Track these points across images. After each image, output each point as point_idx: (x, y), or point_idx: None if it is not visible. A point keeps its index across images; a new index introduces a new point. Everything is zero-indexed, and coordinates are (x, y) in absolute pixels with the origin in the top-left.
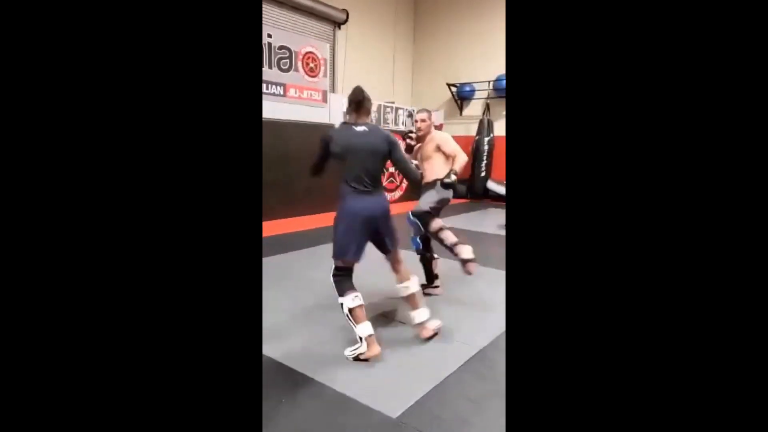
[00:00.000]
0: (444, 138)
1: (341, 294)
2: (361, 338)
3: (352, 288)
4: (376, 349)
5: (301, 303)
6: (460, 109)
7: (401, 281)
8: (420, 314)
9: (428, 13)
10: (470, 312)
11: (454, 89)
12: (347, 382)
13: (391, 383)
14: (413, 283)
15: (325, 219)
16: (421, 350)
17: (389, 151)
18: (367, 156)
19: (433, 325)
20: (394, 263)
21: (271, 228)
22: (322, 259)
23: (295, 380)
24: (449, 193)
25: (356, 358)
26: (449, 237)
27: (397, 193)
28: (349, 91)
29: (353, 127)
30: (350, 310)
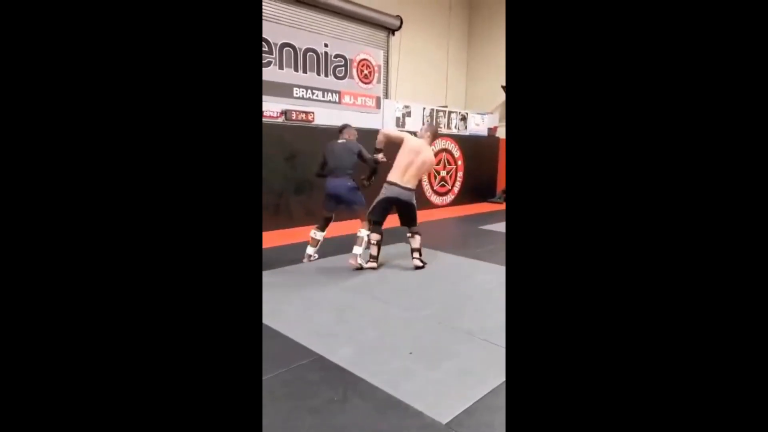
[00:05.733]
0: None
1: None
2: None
3: (318, 228)
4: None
5: (353, 304)
6: None
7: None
8: (355, 249)
9: (482, 16)
10: None
11: None
12: (398, 385)
13: (442, 388)
14: (362, 232)
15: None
16: (473, 356)
17: (359, 153)
18: (342, 154)
19: (361, 262)
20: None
21: None
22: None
23: (345, 380)
24: (387, 192)
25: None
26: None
27: (449, 197)
28: (402, 96)
29: (337, 140)
30: (310, 237)
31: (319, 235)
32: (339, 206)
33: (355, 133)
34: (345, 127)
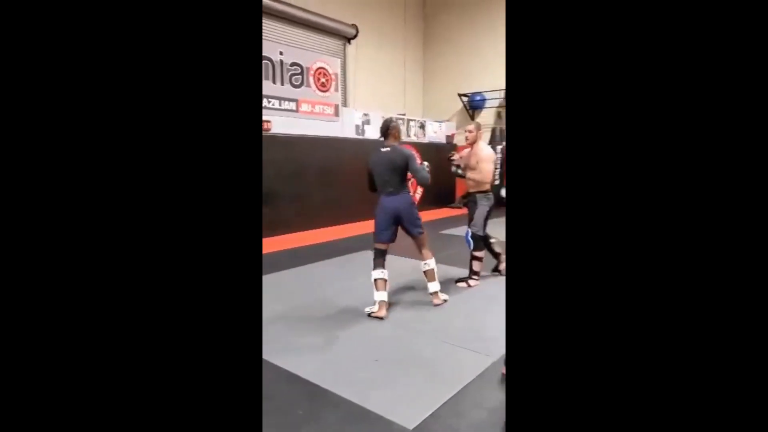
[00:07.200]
0: (476, 151)
1: (373, 268)
2: (375, 301)
3: (381, 265)
4: (383, 311)
5: (317, 316)
6: (472, 118)
7: (423, 260)
8: (432, 286)
9: (438, 24)
10: (488, 321)
11: (465, 99)
12: (364, 394)
13: (408, 394)
14: (431, 263)
15: (341, 231)
16: (439, 360)
17: (406, 164)
18: (387, 168)
19: (443, 296)
20: (418, 247)
21: (287, 241)
22: (338, 270)
23: (312, 392)
24: (492, 200)
25: (369, 315)
26: (476, 266)
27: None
28: (360, 104)
29: (381, 149)
30: (374, 280)
31: (385, 274)
32: (394, 228)
33: (399, 129)
34: (387, 127)
